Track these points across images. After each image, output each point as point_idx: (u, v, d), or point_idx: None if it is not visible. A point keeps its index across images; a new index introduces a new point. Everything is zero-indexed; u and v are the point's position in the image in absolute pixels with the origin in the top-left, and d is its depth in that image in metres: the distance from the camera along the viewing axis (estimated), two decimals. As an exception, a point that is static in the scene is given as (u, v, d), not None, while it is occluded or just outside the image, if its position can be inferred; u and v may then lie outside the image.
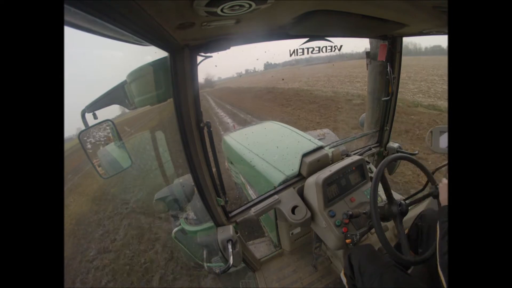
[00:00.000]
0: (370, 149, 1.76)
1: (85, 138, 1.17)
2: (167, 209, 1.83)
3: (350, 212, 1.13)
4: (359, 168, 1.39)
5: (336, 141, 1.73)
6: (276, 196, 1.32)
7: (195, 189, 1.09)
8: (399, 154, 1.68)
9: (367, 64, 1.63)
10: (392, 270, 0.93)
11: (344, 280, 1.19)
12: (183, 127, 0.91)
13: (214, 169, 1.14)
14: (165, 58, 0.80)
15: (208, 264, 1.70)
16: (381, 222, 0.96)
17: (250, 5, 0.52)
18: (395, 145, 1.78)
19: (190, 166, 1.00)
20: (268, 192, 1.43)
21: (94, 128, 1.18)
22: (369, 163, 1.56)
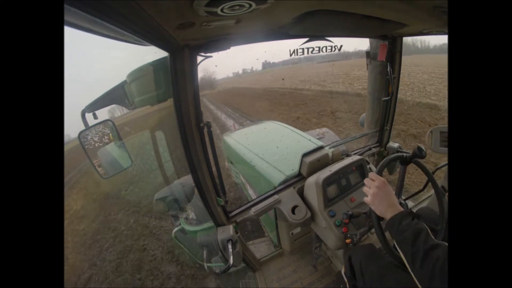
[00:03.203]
0: (370, 149, 1.76)
1: (85, 138, 1.17)
2: (167, 209, 1.83)
3: (350, 212, 1.13)
4: (359, 168, 1.39)
5: (336, 141, 1.73)
6: (276, 196, 1.32)
7: (195, 189, 1.09)
8: (399, 154, 1.68)
9: (367, 64, 1.63)
10: (394, 270, 0.93)
11: (345, 278, 1.19)
12: (183, 127, 0.91)
13: (214, 169, 1.14)
14: (165, 58, 0.80)
15: (208, 264, 1.70)
16: (381, 222, 0.96)
17: (250, 5, 0.52)
18: (395, 145, 1.78)
19: (190, 166, 1.00)
20: (268, 192, 1.43)
21: (94, 128, 1.18)
22: (369, 163, 1.56)
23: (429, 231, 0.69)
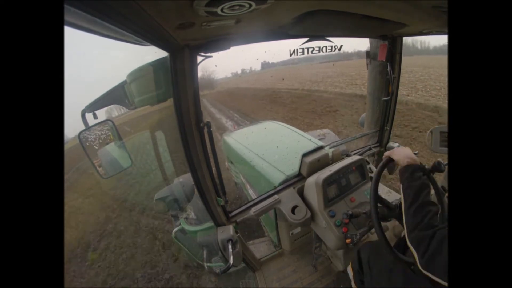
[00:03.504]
0: (370, 149, 1.76)
1: (85, 138, 1.17)
2: (167, 209, 1.83)
3: (350, 212, 1.13)
4: (359, 168, 1.39)
5: (336, 141, 1.73)
6: (276, 196, 1.32)
7: (195, 189, 1.09)
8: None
9: (367, 64, 1.63)
10: (401, 267, 0.93)
11: (351, 274, 1.19)
12: (183, 127, 0.91)
13: (214, 169, 1.14)
14: (165, 58, 0.80)
15: (208, 264, 1.70)
16: (381, 222, 0.96)
17: (250, 5, 0.52)
18: (395, 145, 1.78)
19: (190, 166, 1.00)
20: (268, 192, 1.43)
21: (94, 128, 1.18)
22: (369, 163, 1.56)
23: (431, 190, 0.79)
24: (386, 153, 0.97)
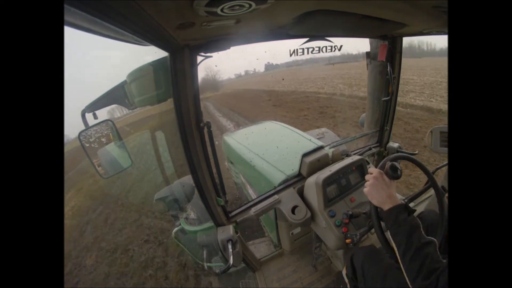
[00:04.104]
0: (370, 149, 1.76)
1: (85, 138, 1.17)
2: (167, 209, 1.83)
3: (350, 212, 1.13)
4: (359, 168, 1.39)
5: (336, 141, 1.73)
6: (276, 196, 1.32)
7: (195, 189, 1.09)
8: (399, 154, 1.68)
9: (367, 64, 1.63)
10: (395, 271, 0.93)
11: (346, 279, 1.19)
12: (183, 127, 0.91)
13: (214, 169, 1.14)
14: (165, 58, 0.80)
15: (208, 264, 1.70)
16: (381, 222, 0.96)
17: (250, 5, 0.52)
18: (395, 145, 1.78)
19: (190, 166, 1.00)
20: (268, 192, 1.43)
21: (94, 128, 1.18)
22: (369, 163, 1.56)
23: (422, 227, 0.73)
24: (365, 191, 0.87)
